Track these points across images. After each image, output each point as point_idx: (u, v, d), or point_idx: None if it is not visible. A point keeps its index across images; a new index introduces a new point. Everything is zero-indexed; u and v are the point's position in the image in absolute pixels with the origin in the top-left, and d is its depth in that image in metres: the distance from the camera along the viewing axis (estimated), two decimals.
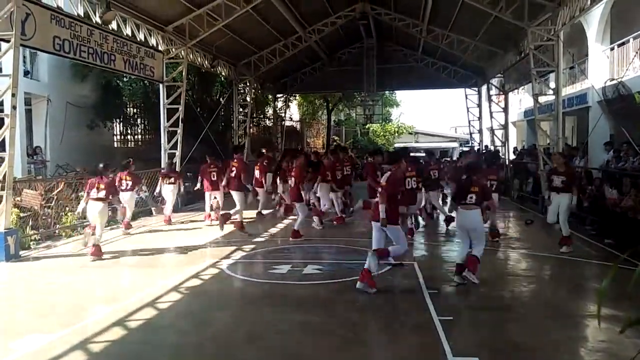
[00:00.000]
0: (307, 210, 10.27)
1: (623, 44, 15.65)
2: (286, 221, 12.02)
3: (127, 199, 10.29)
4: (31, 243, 9.36)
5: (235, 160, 10.68)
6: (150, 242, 9.71)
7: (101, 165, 8.66)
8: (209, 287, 6.56)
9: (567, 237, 8.26)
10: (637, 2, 15.05)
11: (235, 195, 10.32)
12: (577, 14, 11.01)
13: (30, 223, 9.91)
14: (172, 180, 11.67)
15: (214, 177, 11.33)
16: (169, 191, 11.63)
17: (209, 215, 11.63)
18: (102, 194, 8.31)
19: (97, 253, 8.17)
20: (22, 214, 9.84)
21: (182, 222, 12.16)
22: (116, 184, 9.45)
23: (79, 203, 11.28)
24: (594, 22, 16.80)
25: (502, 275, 7.19)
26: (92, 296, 6.13)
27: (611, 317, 4.87)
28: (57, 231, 10.34)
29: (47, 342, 4.68)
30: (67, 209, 10.95)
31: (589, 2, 10.33)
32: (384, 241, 6.45)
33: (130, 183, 10.31)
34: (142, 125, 22.55)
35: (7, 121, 8.41)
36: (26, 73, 15.79)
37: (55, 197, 10.95)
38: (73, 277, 7.05)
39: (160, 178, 11.89)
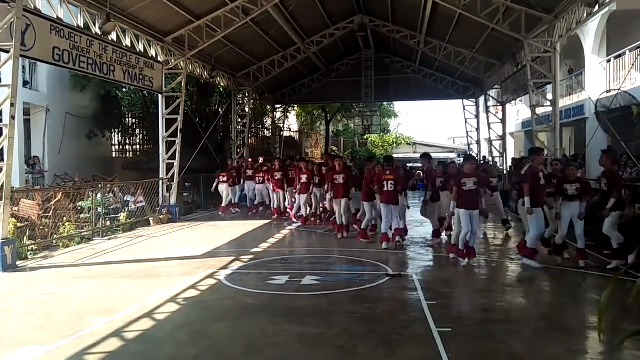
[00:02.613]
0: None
1: (619, 56, 15.80)
2: (284, 232, 12.02)
3: (224, 189, 15.13)
4: (28, 253, 9.31)
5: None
6: (148, 252, 9.68)
7: (222, 165, 15.86)
8: (206, 298, 6.53)
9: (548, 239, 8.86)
10: (632, 15, 15.22)
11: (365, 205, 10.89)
12: (574, 27, 11.12)
13: (28, 233, 9.90)
14: (225, 179, 15.04)
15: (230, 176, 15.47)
16: (223, 188, 15.16)
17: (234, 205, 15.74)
18: (225, 178, 15.03)
19: (225, 211, 15.22)
20: (19, 224, 9.83)
21: (182, 229, 12.20)
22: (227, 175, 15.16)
23: (76, 213, 11.37)
24: (591, 34, 16.96)
25: (500, 286, 7.17)
26: (89, 307, 6.08)
27: (610, 329, 4.85)
28: (54, 241, 10.30)
29: (43, 353, 4.64)
30: (65, 219, 10.93)
31: (585, 15, 10.42)
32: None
33: (226, 178, 15.12)
34: (141, 135, 22.62)
35: (5, 131, 8.42)
36: (25, 83, 15.85)
37: (53, 207, 10.93)
38: (70, 288, 7.01)
39: (217, 177, 15.29)
